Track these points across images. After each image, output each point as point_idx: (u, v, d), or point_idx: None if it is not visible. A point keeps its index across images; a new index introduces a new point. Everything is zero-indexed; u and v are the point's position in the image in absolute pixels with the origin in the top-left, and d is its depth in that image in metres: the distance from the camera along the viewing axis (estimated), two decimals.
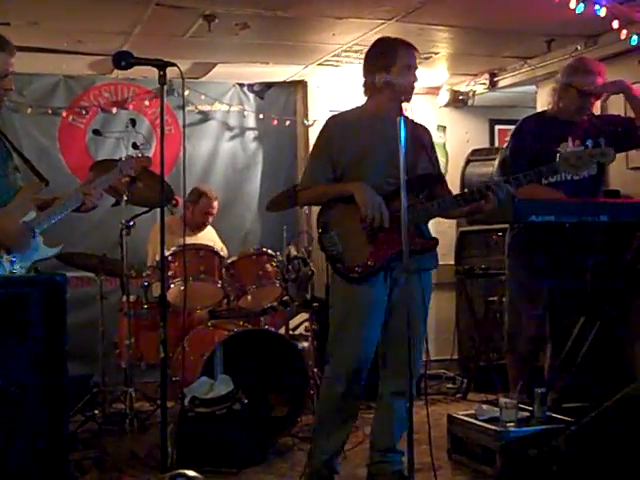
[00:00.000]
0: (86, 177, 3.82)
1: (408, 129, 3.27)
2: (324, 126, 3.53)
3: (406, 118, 3.37)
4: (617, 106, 5.06)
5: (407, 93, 3.41)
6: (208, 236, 5.50)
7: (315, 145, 3.49)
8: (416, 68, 3.42)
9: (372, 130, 3.37)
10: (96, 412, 4.66)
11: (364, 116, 3.43)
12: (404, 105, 3.40)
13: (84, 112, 6.06)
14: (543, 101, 5.38)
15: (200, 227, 5.50)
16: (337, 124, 3.46)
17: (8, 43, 3.14)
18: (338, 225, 3.36)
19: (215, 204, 5.51)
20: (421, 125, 3.57)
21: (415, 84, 3.42)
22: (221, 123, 6.47)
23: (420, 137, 3.46)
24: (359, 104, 3.54)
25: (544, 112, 4.26)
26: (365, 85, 3.45)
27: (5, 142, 3.30)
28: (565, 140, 4.03)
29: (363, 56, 3.52)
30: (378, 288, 3.31)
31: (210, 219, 5.54)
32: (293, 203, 4.78)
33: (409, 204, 3.12)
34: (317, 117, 6.44)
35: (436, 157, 3.58)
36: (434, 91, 6.78)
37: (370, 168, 3.34)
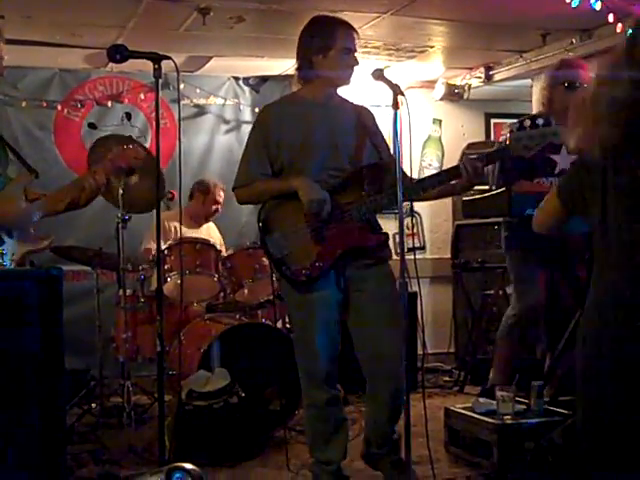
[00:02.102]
0: (83, 172, 3.80)
1: (348, 113, 3.20)
2: (258, 117, 3.32)
3: (345, 101, 3.30)
4: None
5: (345, 78, 3.19)
6: (212, 232, 5.52)
7: (250, 138, 3.26)
8: (355, 51, 3.17)
9: (311, 119, 3.15)
10: (93, 405, 4.66)
11: (301, 104, 3.21)
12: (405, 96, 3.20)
13: (79, 105, 6.05)
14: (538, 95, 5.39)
15: (207, 219, 5.54)
16: (272, 114, 3.23)
17: None
18: (281, 225, 3.14)
19: (222, 194, 5.53)
20: (363, 107, 3.34)
21: (354, 68, 3.18)
22: (217, 117, 6.47)
23: (363, 121, 3.24)
24: (293, 90, 3.32)
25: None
26: (298, 68, 3.21)
27: None
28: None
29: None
30: (330, 290, 3.13)
31: (219, 211, 5.57)
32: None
33: (353, 200, 3.04)
34: None
35: (384, 141, 3.30)
36: (430, 85, 6.77)
37: (311, 160, 3.13)
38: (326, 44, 3.12)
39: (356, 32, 3.21)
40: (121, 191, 4.27)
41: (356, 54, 3.21)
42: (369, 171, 3.18)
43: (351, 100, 3.37)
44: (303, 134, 3.15)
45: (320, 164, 3.15)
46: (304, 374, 3.27)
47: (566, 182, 2.11)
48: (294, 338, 3.31)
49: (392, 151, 2.98)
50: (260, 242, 3.27)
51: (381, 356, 3.15)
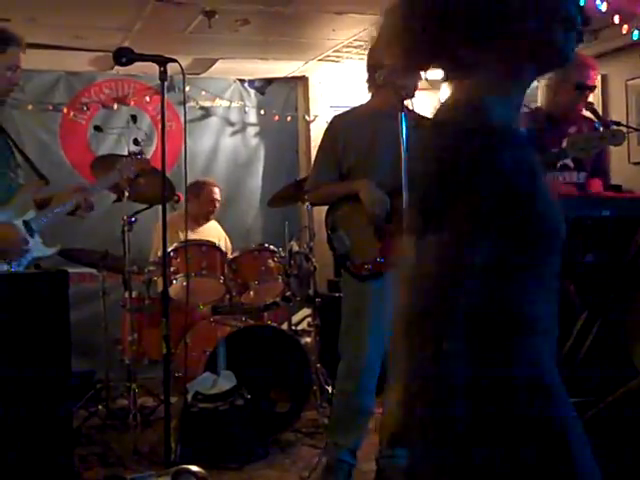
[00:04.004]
0: (90, 177, 3.84)
1: (410, 122, 3.26)
2: (328, 125, 3.54)
3: (410, 112, 3.39)
4: (618, 104, 5.06)
5: (408, 89, 3.34)
6: (213, 231, 5.50)
7: (320, 145, 3.50)
8: None
9: (376, 127, 3.35)
10: (100, 408, 4.66)
11: (368, 113, 3.42)
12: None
13: (85, 108, 6.06)
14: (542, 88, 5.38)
15: (207, 218, 5.50)
16: (341, 123, 3.47)
17: (19, 39, 3.16)
18: (346, 224, 3.38)
19: (217, 191, 5.49)
20: (424, 118, 3.46)
21: (418, 80, 3.39)
22: (222, 119, 6.48)
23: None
24: (363, 101, 3.53)
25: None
26: (367, 82, 3.43)
27: (7, 139, 3.30)
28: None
29: (364, 51, 3.52)
30: (383, 284, 3.28)
31: (217, 207, 5.53)
32: (296, 199, 4.78)
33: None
34: (318, 113, 6.44)
35: None
36: (436, 86, 6.77)
37: (375, 165, 3.33)
38: None
39: None
40: (127, 193, 4.29)
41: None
42: None
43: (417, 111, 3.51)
44: (369, 140, 3.35)
45: (384, 169, 3.32)
46: (345, 362, 3.38)
47: None
48: (342, 326, 3.43)
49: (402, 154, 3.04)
50: (327, 239, 3.47)
51: None
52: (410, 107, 3.42)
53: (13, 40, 3.13)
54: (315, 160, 3.56)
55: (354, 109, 3.59)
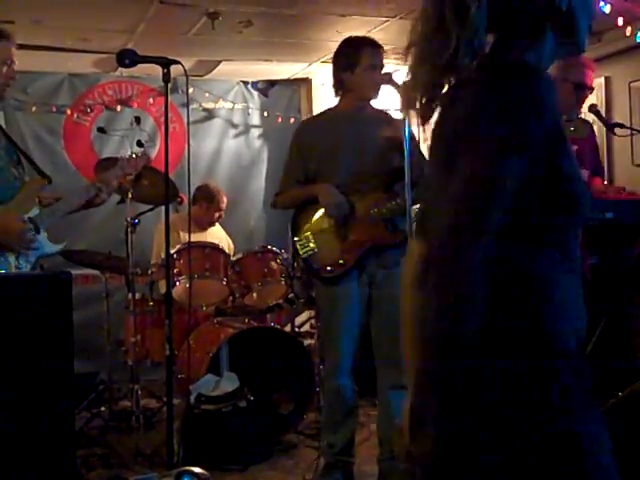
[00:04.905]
0: (93, 177, 3.84)
1: (379, 122, 3.40)
2: (295, 130, 3.67)
3: (380, 112, 3.54)
4: (622, 106, 5.05)
5: (372, 92, 3.43)
6: (215, 234, 5.50)
7: (288, 150, 3.60)
8: (382, 67, 3.42)
9: (340, 130, 3.41)
10: (102, 409, 4.67)
11: (333, 117, 3.49)
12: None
13: (89, 110, 6.07)
14: None
15: (212, 224, 5.51)
16: (307, 127, 3.63)
17: (7, 32, 3.16)
18: (310, 226, 3.46)
19: (225, 200, 5.52)
20: (399, 120, 3.51)
21: (380, 82, 3.40)
22: (225, 121, 6.48)
23: (397, 132, 3.43)
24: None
25: None
26: (334, 85, 3.49)
27: (9, 138, 3.30)
28: None
29: None
30: (352, 286, 3.37)
31: (222, 217, 5.54)
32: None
33: (375, 202, 3.27)
34: None
35: (418, 154, 3.48)
36: None
37: (338, 168, 3.38)
38: (352, 62, 3.37)
39: (381, 49, 3.44)
40: (130, 195, 4.29)
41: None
42: (392, 176, 3.38)
43: (390, 112, 3.60)
44: (331, 143, 3.41)
45: (347, 171, 3.38)
46: (326, 363, 3.54)
47: None
48: (321, 329, 3.59)
49: (405, 156, 3.05)
50: (292, 243, 3.58)
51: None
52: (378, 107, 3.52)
53: (3, 35, 3.13)
54: (285, 164, 3.65)
55: (321, 113, 3.67)
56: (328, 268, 3.38)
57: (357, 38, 3.49)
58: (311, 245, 3.45)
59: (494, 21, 1.42)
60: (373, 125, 3.44)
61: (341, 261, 3.35)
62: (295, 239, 3.50)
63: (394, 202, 3.34)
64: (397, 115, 3.64)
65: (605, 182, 4.25)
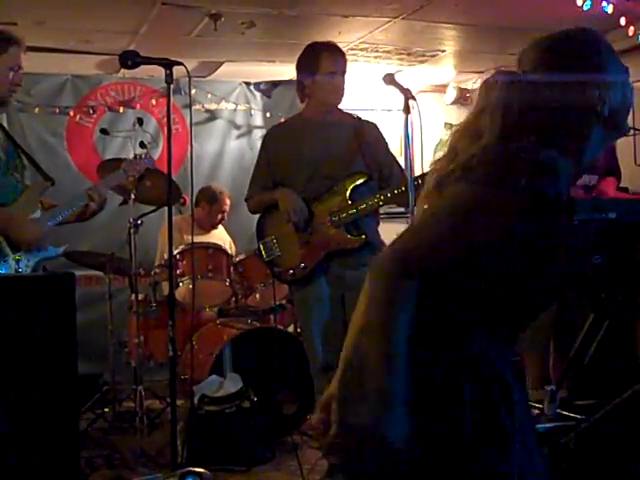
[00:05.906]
0: (96, 181, 3.85)
1: (345, 127, 3.46)
2: (263, 137, 3.76)
3: (346, 116, 3.56)
4: None
5: (334, 97, 3.47)
6: (218, 235, 5.50)
7: (257, 156, 3.69)
8: (344, 72, 3.46)
9: (303, 135, 3.49)
10: (106, 410, 4.67)
11: (299, 123, 3.58)
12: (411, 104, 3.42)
13: (91, 111, 6.07)
14: None
15: (214, 227, 5.51)
16: (274, 134, 3.69)
17: (19, 39, 3.18)
18: (275, 231, 3.56)
19: (229, 202, 5.52)
20: (366, 123, 3.60)
21: (342, 87, 3.45)
22: (228, 122, 6.48)
23: (361, 135, 3.51)
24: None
25: None
26: (297, 91, 3.55)
27: (12, 141, 3.31)
28: None
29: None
30: (321, 287, 3.46)
31: (225, 219, 5.55)
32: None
33: (337, 206, 3.34)
34: None
35: (388, 155, 3.58)
36: (441, 89, 6.77)
37: (300, 175, 3.47)
38: (312, 69, 3.44)
39: (342, 54, 3.48)
40: (133, 196, 4.29)
41: (346, 73, 3.47)
42: (354, 180, 3.45)
43: (358, 115, 3.62)
44: (295, 149, 3.49)
45: (310, 175, 3.45)
46: (310, 364, 3.57)
47: None
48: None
49: (403, 157, 3.04)
50: (257, 247, 3.68)
51: None
52: (343, 109, 3.55)
53: (14, 40, 3.14)
54: (253, 170, 3.72)
55: (287, 120, 3.81)
56: (290, 271, 3.47)
57: (318, 44, 3.52)
58: (275, 249, 3.55)
59: (535, 130, 1.50)
60: (337, 131, 3.49)
61: (302, 264, 3.44)
62: (260, 243, 3.61)
63: (355, 208, 3.40)
64: (368, 117, 3.68)
65: (618, 182, 4.23)
